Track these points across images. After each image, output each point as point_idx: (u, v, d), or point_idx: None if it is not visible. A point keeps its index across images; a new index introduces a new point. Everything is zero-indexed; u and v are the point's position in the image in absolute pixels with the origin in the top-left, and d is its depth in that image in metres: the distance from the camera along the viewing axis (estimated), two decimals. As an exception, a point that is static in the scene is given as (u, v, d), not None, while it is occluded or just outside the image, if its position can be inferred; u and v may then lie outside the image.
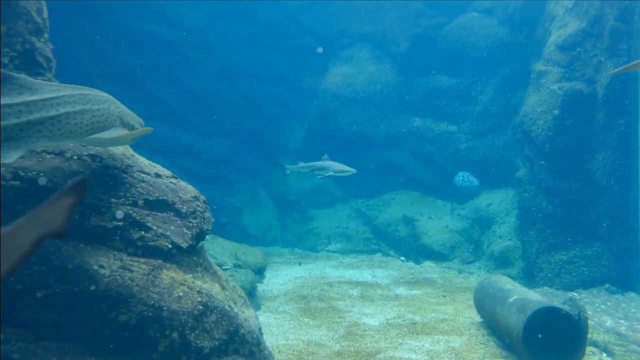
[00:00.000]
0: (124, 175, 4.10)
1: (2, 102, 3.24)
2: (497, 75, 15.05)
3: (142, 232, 3.94)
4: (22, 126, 3.29)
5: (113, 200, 3.89)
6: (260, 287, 10.14)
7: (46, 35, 4.70)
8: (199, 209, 4.54)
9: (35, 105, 3.38)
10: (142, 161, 4.48)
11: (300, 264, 12.69)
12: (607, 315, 8.17)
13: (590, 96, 10.53)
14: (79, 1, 13.93)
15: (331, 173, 10.95)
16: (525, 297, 6.74)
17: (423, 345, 7.11)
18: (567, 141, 10.70)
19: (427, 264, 12.77)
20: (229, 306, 4.38)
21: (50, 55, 4.68)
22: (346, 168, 11.04)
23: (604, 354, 6.89)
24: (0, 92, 3.24)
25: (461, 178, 14.52)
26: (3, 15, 4.23)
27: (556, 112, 10.77)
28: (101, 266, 3.60)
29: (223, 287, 4.63)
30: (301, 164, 11.30)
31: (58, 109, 3.47)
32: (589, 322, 6.62)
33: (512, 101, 14.48)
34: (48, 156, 3.75)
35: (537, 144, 11.22)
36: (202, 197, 4.68)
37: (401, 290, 10.28)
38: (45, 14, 4.74)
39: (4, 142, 3.21)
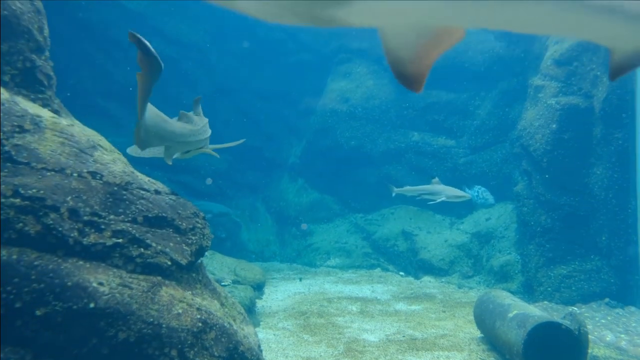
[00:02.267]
0: (124, 192, 4.11)
1: (200, 125, 5.17)
2: (495, 90, 15.12)
3: (142, 249, 3.94)
4: (204, 140, 5.21)
5: (113, 217, 3.89)
6: (260, 303, 10.10)
7: (47, 53, 4.73)
8: (198, 225, 4.54)
9: (204, 127, 5.24)
10: (142, 178, 4.48)
11: (300, 279, 12.65)
12: (607, 330, 8.14)
13: (587, 110, 10.58)
14: (78, 19, 14.04)
15: (443, 199, 10.11)
16: (525, 312, 6.72)
17: (423, 361, 7.08)
18: (565, 155, 10.74)
19: (427, 278, 12.73)
20: (228, 323, 4.37)
21: (51, 73, 4.71)
22: (460, 193, 10.21)
23: (605, 369, 6.86)
24: (187, 118, 5.07)
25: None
26: (5, 33, 4.27)
27: (554, 126, 10.83)
28: (100, 283, 3.59)
29: (222, 304, 4.62)
30: (408, 187, 10.68)
31: (208, 132, 5.39)
32: (590, 336, 6.60)
33: (509, 115, 14.54)
34: (48, 173, 3.75)
35: (535, 158, 11.25)
36: (201, 214, 4.69)
37: (401, 306, 10.24)
38: (47, 32, 4.77)
39: (199, 149, 5.29)
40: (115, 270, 3.76)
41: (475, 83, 15.37)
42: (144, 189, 4.31)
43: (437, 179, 10.42)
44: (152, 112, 4.51)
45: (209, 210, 14.60)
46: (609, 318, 8.92)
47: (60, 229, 3.59)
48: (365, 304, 10.27)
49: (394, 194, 11.11)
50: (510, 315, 6.81)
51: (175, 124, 4.94)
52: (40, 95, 4.52)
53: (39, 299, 3.37)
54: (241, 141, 6.14)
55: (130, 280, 3.77)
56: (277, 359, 7.12)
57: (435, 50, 1.84)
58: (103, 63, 14.80)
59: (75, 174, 3.90)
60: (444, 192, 10.19)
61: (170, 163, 5.17)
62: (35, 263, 3.43)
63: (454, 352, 7.46)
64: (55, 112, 4.57)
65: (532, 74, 12.56)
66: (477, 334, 8.21)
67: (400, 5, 1.44)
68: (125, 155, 4.83)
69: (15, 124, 3.83)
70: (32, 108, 4.16)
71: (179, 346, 3.76)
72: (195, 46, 16.35)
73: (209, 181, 15.40)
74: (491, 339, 7.51)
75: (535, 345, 6.22)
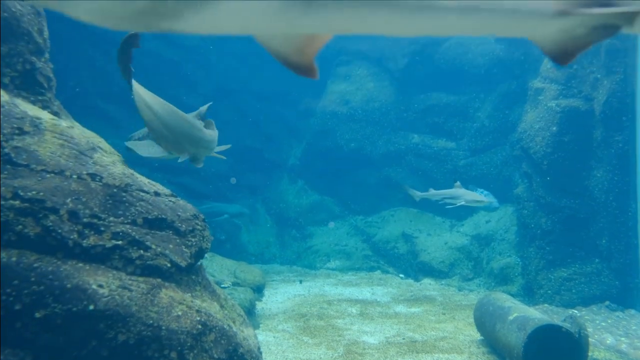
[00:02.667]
0: (123, 194, 4.10)
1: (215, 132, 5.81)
2: (495, 92, 15.12)
3: (141, 251, 3.93)
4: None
5: (112, 219, 3.89)
6: (259, 306, 10.09)
7: (47, 55, 4.73)
8: (198, 227, 4.53)
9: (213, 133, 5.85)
10: (141, 179, 4.48)
11: (300, 282, 12.63)
12: (607, 333, 8.13)
13: (587, 113, 10.58)
14: (79, 21, 14.03)
15: (462, 203, 10.14)
16: (525, 314, 6.71)
17: (423, 364, 7.07)
18: (565, 158, 10.72)
19: (427, 281, 12.72)
20: (228, 325, 4.36)
21: (51, 75, 4.71)
22: (479, 197, 10.20)
23: (605, 372, 6.85)
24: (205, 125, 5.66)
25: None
26: (4, 35, 4.26)
27: (554, 128, 10.82)
28: (100, 285, 3.59)
29: (222, 306, 4.61)
30: (432, 191, 10.57)
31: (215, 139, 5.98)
32: (590, 339, 6.59)
33: (509, 118, 14.53)
34: (48, 175, 3.75)
35: (535, 161, 11.24)
36: (201, 216, 4.68)
37: (401, 308, 10.23)
38: (46, 34, 4.77)
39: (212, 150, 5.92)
40: (114, 272, 3.76)
41: (475, 85, 15.36)
42: (143, 191, 4.30)
43: (458, 182, 10.35)
44: (189, 122, 5.34)
45: (225, 211, 14.45)
46: (609, 321, 8.91)
47: (59, 231, 3.59)
48: (365, 307, 10.25)
49: (417, 199, 10.97)
50: (511, 317, 6.80)
51: (206, 132, 5.70)
52: (40, 97, 4.52)
53: (39, 301, 3.36)
54: (227, 146, 6.68)
55: (130, 282, 3.77)
56: (276, 361, 7.11)
57: (311, 47, 1.83)
58: (103, 65, 14.79)
59: (74, 176, 3.89)
60: (464, 196, 10.16)
61: (201, 166, 5.93)
62: (35, 265, 3.42)
63: (454, 355, 7.45)
64: (55, 114, 4.58)
65: (532, 77, 12.56)
66: (477, 336, 8.20)
67: (237, 23, 1.46)
68: (125, 157, 4.83)
69: (15, 126, 3.82)
70: (32, 110, 4.16)
71: (179, 348, 3.75)
72: (196, 47, 16.35)
73: (233, 180, 15.30)
74: (491, 342, 7.50)
75: (535, 348, 6.21)
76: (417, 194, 10.85)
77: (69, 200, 3.72)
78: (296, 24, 1.51)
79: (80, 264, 3.63)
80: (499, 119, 14.91)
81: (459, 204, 10.19)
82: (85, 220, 3.74)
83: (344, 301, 10.68)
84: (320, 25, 1.58)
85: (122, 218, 3.96)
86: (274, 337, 8.24)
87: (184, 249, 4.24)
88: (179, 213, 4.42)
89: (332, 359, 7.22)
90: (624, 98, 10.02)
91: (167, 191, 4.61)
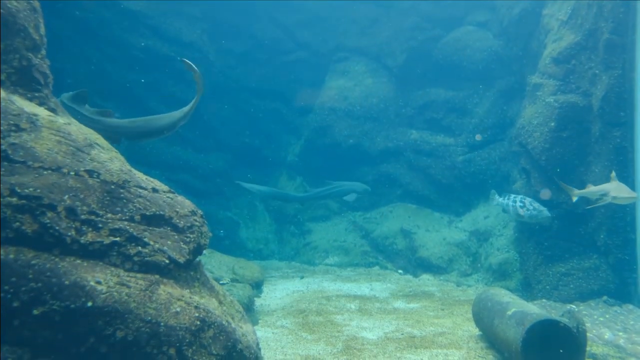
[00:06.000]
0: (121, 190, 4.10)
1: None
2: (493, 88, 15.11)
3: (139, 248, 3.93)
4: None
5: (110, 215, 3.88)
6: (258, 302, 10.10)
7: (43, 52, 4.72)
8: (196, 223, 4.53)
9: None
10: (139, 176, 4.48)
11: (301, 277, 12.64)
12: (605, 328, 8.14)
13: (585, 108, 10.58)
14: (75, 18, 14.01)
15: (609, 200, 8.66)
16: (523, 309, 6.72)
17: (422, 359, 7.08)
18: (563, 153, 10.73)
19: (425, 276, 12.73)
20: (227, 321, 4.36)
21: (47, 72, 4.70)
22: (627, 193, 8.47)
23: (604, 367, 6.87)
24: None
25: (521, 204, 10.82)
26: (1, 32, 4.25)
27: (552, 124, 10.82)
28: (98, 282, 3.59)
29: (220, 302, 4.62)
30: (591, 187, 9.11)
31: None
32: (588, 334, 6.60)
33: (508, 113, 14.54)
34: (45, 172, 3.74)
35: (533, 156, 11.25)
36: (200, 212, 4.68)
37: (399, 304, 10.24)
38: (43, 30, 4.76)
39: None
40: (113, 268, 3.76)
41: (473, 81, 15.35)
42: (141, 187, 4.30)
43: (613, 173, 8.85)
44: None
45: (353, 189, 14.22)
46: (607, 316, 8.93)
47: (57, 227, 3.59)
48: (363, 302, 10.27)
49: (575, 199, 9.68)
50: (509, 313, 6.81)
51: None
52: (36, 94, 4.51)
53: (37, 298, 3.36)
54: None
55: (128, 278, 3.77)
56: (275, 357, 7.12)
57: None
58: (100, 62, 14.76)
59: (72, 173, 3.89)
60: (610, 192, 8.62)
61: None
62: (33, 262, 3.42)
63: (453, 350, 7.47)
64: (52, 110, 4.57)
65: (531, 72, 12.55)
66: (476, 331, 8.22)
67: None
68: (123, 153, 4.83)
69: (12, 122, 3.82)
70: (29, 107, 4.15)
71: (177, 344, 3.75)
72: (193, 45, 16.30)
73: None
74: (490, 337, 7.51)
75: (533, 343, 6.22)
76: (575, 192, 9.52)
77: (66, 197, 3.72)
78: None
79: (78, 261, 3.63)
80: (497, 115, 14.91)
81: (606, 202, 8.74)
82: (83, 217, 3.74)
83: (342, 297, 10.69)
84: None
85: (120, 214, 3.96)
86: (272, 333, 8.25)
87: (182, 245, 4.24)
88: (177, 209, 4.42)
89: (331, 355, 7.23)
90: (622, 93, 10.01)
91: (165, 187, 4.62)
